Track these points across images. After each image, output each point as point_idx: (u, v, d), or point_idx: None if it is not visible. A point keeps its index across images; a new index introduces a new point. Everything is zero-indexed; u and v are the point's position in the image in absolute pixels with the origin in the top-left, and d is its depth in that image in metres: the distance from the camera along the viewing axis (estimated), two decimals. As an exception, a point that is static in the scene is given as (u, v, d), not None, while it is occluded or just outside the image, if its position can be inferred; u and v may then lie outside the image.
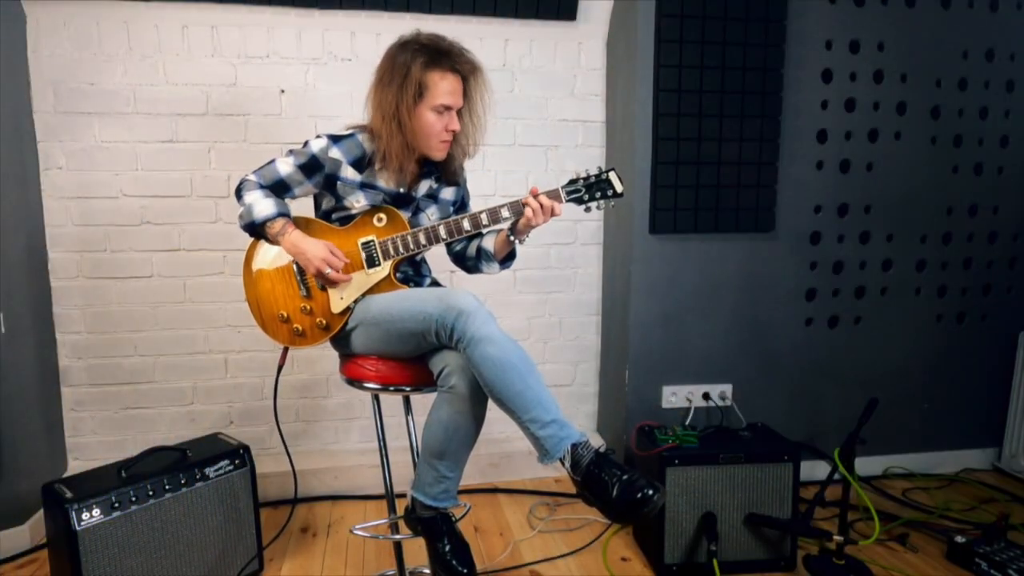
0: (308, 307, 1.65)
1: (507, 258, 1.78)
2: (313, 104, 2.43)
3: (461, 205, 1.84)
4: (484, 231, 1.66)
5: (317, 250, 1.58)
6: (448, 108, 1.59)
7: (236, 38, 2.35)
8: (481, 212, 1.61)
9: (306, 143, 1.65)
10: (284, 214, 1.63)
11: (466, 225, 1.61)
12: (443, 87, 1.57)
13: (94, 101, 2.29)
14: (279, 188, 1.65)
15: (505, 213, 1.61)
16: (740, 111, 2.34)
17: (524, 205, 1.58)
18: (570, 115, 2.61)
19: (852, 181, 2.50)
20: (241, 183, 1.66)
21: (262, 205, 1.61)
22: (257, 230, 1.63)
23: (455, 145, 1.68)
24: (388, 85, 1.59)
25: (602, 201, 1.63)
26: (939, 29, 2.45)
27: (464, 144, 1.70)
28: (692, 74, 2.30)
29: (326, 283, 1.63)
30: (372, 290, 1.65)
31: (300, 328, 1.66)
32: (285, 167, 1.64)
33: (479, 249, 1.79)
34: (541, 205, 1.57)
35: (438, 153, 1.66)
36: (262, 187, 1.64)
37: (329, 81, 2.43)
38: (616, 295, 2.58)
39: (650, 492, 1.31)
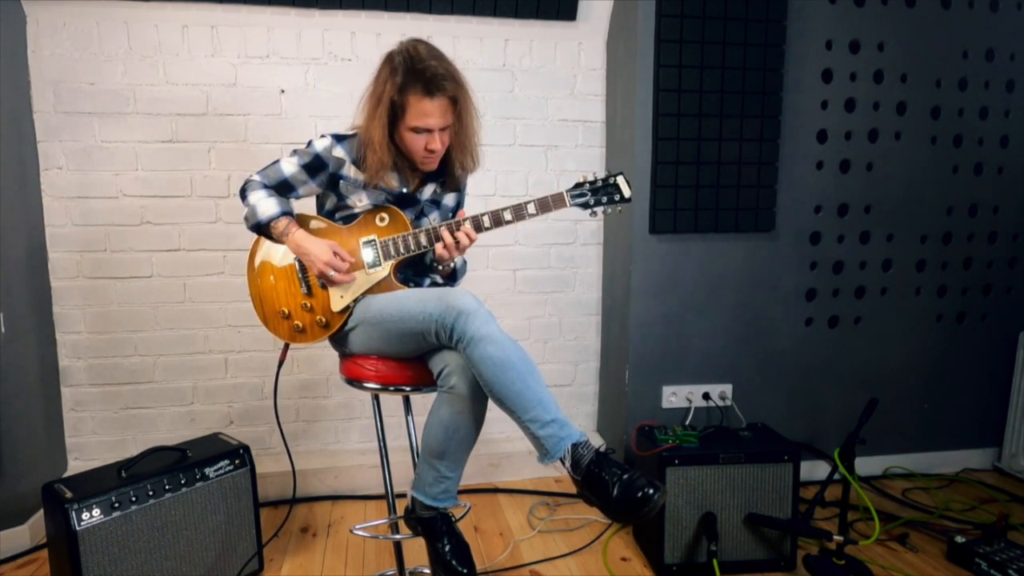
0: (309, 304, 1.65)
1: (449, 276, 1.78)
2: (313, 104, 2.43)
3: (456, 213, 1.84)
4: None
5: (321, 251, 1.59)
6: (427, 130, 1.57)
7: (236, 38, 2.35)
8: (484, 215, 1.61)
9: (309, 143, 1.66)
10: (287, 213, 1.64)
11: (443, 231, 1.61)
12: (418, 110, 1.54)
13: (94, 101, 2.29)
14: (283, 188, 1.66)
15: (508, 216, 1.60)
16: (740, 111, 2.34)
17: (441, 236, 1.59)
18: (570, 115, 2.61)
19: (852, 181, 2.50)
20: (245, 183, 1.67)
21: (265, 205, 1.62)
22: (262, 230, 1.65)
23: (450, 158, 1.68)
24: (369, 99, 1.59)
25: (609, 207, 1.62)
26: (939, 29, 2.45)
27: (458, 158, 1.68)
28: (692, 74, 2.30)
29: (328, 283, 1.63)
30: (372, 290, 1.65)
31: (300, 325, 1.66)
32: (289, 167, 1.65)
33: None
34: (457, 241, 1.58)
35: (424, 167, 1.66)
36: (266, 187, 1.65)
37: (329, 81, 2.43)
38: (616, 295, 2.58)
39: (650, 491, 1.31)
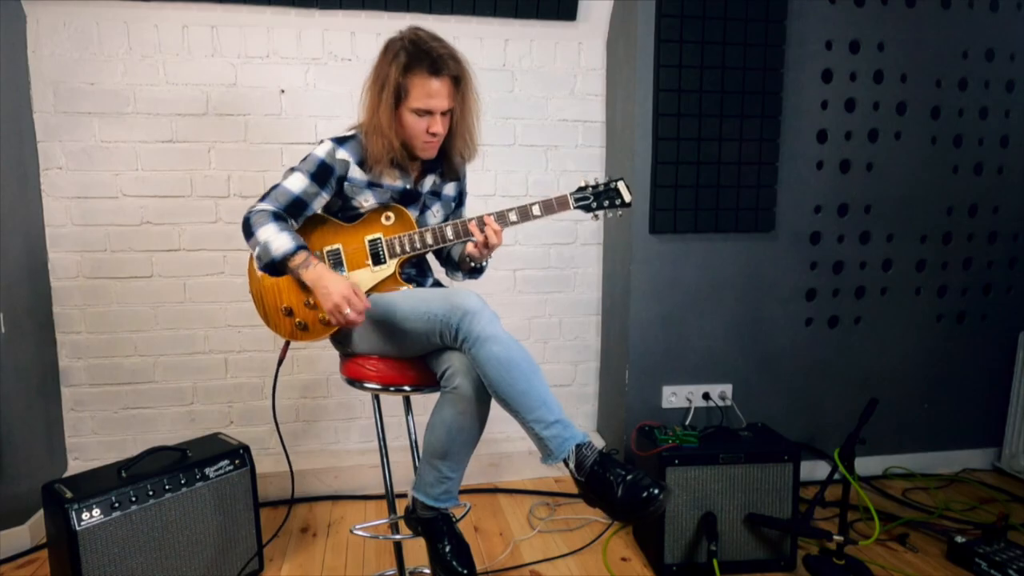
0: (312, 301, 1.64)
1: (474, 270, 1.79)
2: (313, 104, 2.43)
3: (459, 202, 1.84)
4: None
5: (341, 287, 1.49)
6: (429, 112, 1.56)
7: (236, 38, 2.35)
8: (489, 215, 1.61)
9: (309, 154, 1.62)
10: (303, 247, 1.55)
11: (473, 226, 1.61)
12: (421, 91, 1.54)
13: (94, 101, 2.29)
14: (296, 207, 1.58)
15: (513, 217, 1.61)
16: (740, 111, 2.34)
17: (472, 232, 1.60)
18: (570, 115, 2.61)
19: (852, 181, 2.50)
20: (248, 217, 1.56)
21: (280, 240, 1.52)
22: (277, 267, 1.56)
23: (449, 145, 1.67)
24: (372, 87, 1.59)
25: (610, 211, 1.65)
26: (939, 29, 2.45)
27: (457, 145, 1.67)
28: (692, 74, 2.30)
29: (339, 321, 1.52)
30: (376, 288, 1.65)
31: (303, 322, 1.64)
32: (297, 184, 1.58)
33: (447, 255, 1.84)
34: (487, 240, 1.59)
35: (423, 154, 1.65)
36: (276, 217, 1.56)
37: (329, 81, 2.43)
38: (616, 295, 2.58)
39: (655, 491, 1.31)
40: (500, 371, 1.40)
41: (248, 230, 1.55)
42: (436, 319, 1.46)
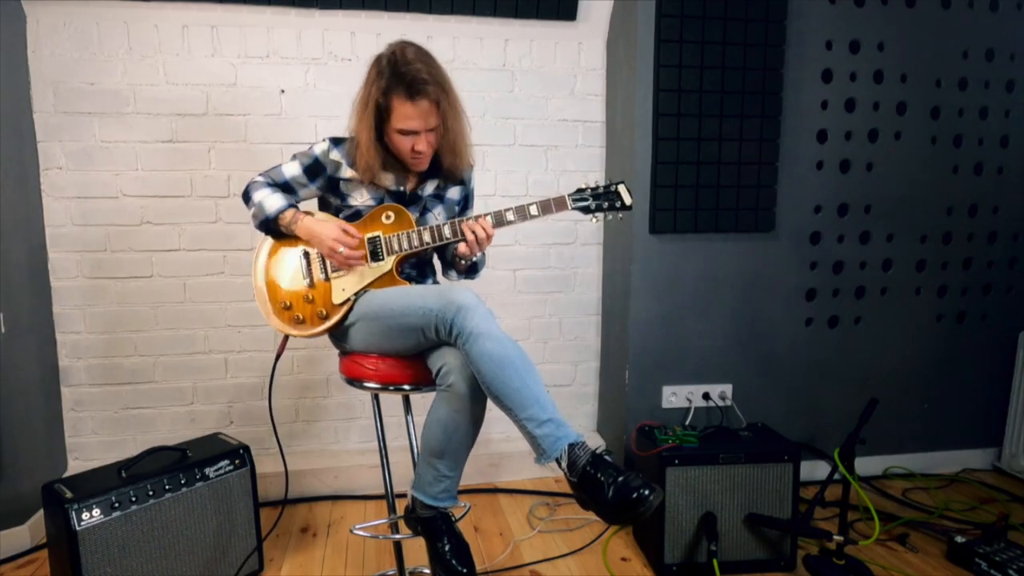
0: (310, 296, 1.67)
1: (469, 270, 1.80)
2: (313, 104, 2.43)
3: (465, 206, 1.85)
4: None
5: (330, 231, 1.63)
6: (413, 131, 1.58)
7: (236, 38, 2.35)
8: (487, 214, 1.62)
9: (310, 147, 1.71)
10: (293, 206, 1.69)
11: (466, 225, 1.62)
12: (401, 113, 1.56)
13: (94, 101, 2.29)
14: (285, 189, 1.72)
15: (510, 217, 1.62)
16: (740, 111, 2.34)
17: (463, 232, 1.62)
18: (570, 115, 2.61)
19: (852, 181, 2.50)
20: (249, 184, 1.73)
21: (272, 200, 1.67)
22: (270, 225, 1.68)
23: (441, 158, 1.69)
24: (359, 103, 1.62)
25: (610, 213, 1.65)
26: (939, 29, 2.45)
27: (447, 160, 1.70)
28: (692, 74, 2.30)
29: (341, 264, 1.65)
30: (374, 284, 1.66)
31: (300, 316, 1.68)
32: (290, 169, 1.71)
33: (444, 255, 1.86)
34: (476, 237, 1.60)
35: (414, 168, 1.69)
36: (270, 185, 1.70)
37: (329, 81, 2.43)
38: (616, 295, 2.58)
39: (646, 492, 1.30)
40: (493, 367, 1.40)
41: (247, 195, 1.71)
42: (431, 314, 1.47)
